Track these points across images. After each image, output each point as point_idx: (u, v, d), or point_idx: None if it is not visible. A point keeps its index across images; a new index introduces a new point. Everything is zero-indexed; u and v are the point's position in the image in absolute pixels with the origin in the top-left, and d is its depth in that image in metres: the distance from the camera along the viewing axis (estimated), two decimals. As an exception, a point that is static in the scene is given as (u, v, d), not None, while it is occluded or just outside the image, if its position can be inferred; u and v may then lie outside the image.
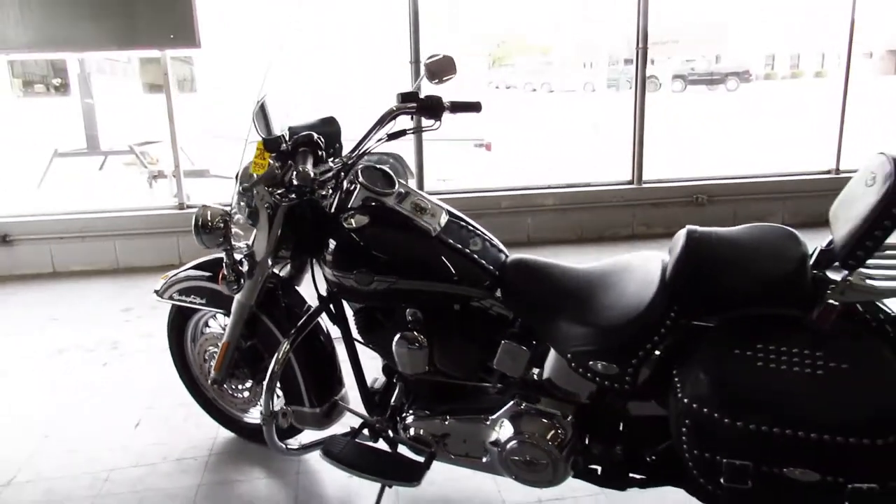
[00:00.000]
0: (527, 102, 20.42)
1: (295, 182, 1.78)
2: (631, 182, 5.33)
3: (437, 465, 2.07)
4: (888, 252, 1.76)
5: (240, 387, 2.42)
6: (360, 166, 2.02)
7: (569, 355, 1.82)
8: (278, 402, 2.31)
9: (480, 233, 2.06)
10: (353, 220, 1.93)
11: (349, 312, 2.15)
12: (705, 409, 1.60)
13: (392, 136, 2.16)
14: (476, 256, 1.95)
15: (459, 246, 1.95)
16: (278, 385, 2.29)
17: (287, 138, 1.90)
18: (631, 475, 1.95)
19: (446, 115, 2.19)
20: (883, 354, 1.57)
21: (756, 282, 1.68)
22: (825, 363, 1.56)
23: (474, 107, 2.21)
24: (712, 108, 18.30)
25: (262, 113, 1.92)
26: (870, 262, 1.71)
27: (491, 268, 1.95)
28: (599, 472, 1.98)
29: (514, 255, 2.05)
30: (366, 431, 2.19)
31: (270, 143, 1.84)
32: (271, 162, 1.89)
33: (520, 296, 1.94)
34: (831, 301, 1.60)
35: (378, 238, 1.92)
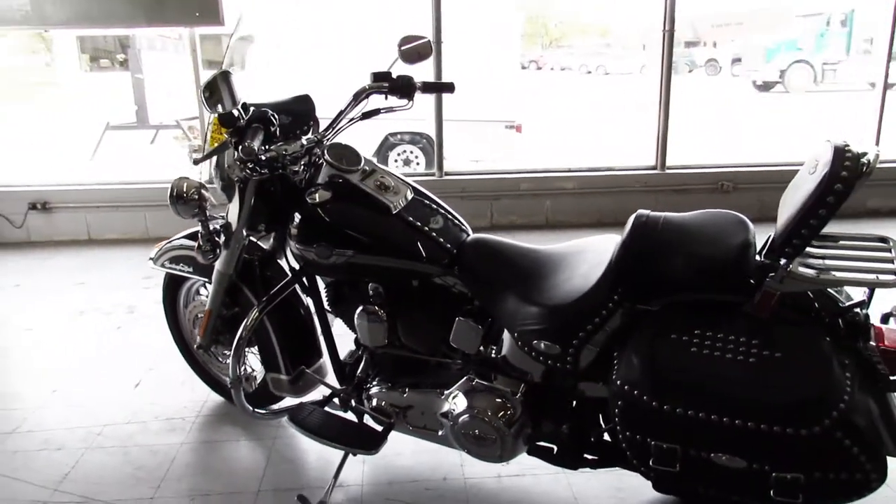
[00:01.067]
0: (579, 84, 20.15)
1: (240, 156, 1.86)
2: (654, 167, 5.25)
3: (405, 439, 2.14)
4: (842, 242, 1.75)
5: (225, 353, 2.53)
6: (327, 143, 2.08)
7: (515, 334, 1.86)
8: (260, 369, 2.42)
9: (444, 212, 2.10)
10: (316, 196, 1.99)
11: (322, 285, 2.23)
12: (636, 392, 1.62)
13: (366, 116, 2.21)
14: (434, 234, 2.00)
15: (419, 224, 2.00)
16: (257, 352, 2.42)
17: (244, 114, 1.97)
18: (585, 456, 1.99)
19: (417, 96, 2.24)
20: (819, 346, 1.56)
21: (695, 267, 1.68)
22: (759, 351, 1.56)
23: (447, 87, 2.25)
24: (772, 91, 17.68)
25: (227, 87, 1.97)
26: (819, 251, 1.71)
27: (449, 246, 1.99)
28: (554, 451, 2.02)
29: (477, 234, 2.09)
30: (338, 401, 2.28)
31: (225, 118, 1.92)
32: (227, 136, 1.97)
33: (475, 274, 1.98)
34: (769, 289, 1.60)
35: (338, 213, 1.99)
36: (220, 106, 1.95)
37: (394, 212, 1.99)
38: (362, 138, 6.71)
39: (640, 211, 1.82)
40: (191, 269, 2.45)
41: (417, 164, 6.99)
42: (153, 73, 9.45)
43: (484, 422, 1.93)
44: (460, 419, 1.97)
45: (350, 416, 2.24)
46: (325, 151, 2.03)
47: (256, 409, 2.23)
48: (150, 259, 2.55)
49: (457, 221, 2.10)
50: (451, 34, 4.91)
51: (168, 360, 2.95)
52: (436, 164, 5.18)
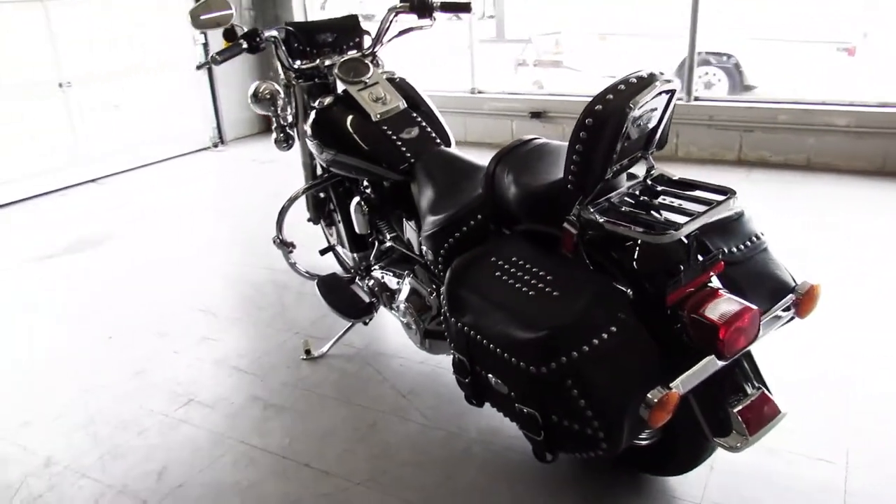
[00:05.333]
0: None
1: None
2: (975, 107, 4.07)
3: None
4: (696, 193, 1.55)
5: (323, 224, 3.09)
6: (342, 59, 2.42)
7: (419, 238, 2.06)
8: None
9: (424, 126, 2.28)
10: (325, 101, 2.38)
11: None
12: (444, 303, 1.74)
13: (400, 33, 2.49)
14: (400, 143, 2.23)
15: (390, 132, 2.24)
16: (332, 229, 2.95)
17: (244, 30, 2.39)
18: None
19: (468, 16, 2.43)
20: (597, 291, 1.48)
21: (519, 196, 1.68)
22: (543, 286, 1.55)
23: (464, 7, 2.37)
24: None
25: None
26: (658, 199, 1.56)
27: (409, 155, 2.21)
28: None
29: (442, 148, 2.24)
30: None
31: (227, 33, 2.39)
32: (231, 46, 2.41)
33: (417, 182, 2.17)
34: (566, 227, 1.55)
35: (331, 117, 2.35)
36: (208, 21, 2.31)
37: (374, 119, 2.27)
38: (666, 57, 6.51)
39: (526, 136, 1.81)
40: None
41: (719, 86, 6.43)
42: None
43: (409, 312, 2.19)
44: (400, 306, 2.24)
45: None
46: (337, 65, 2.38)
47: (297, 265, 2.77)
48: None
49: (433, 135, 2.28)
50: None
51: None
52: (685, 89, 4.84)
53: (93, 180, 5.08)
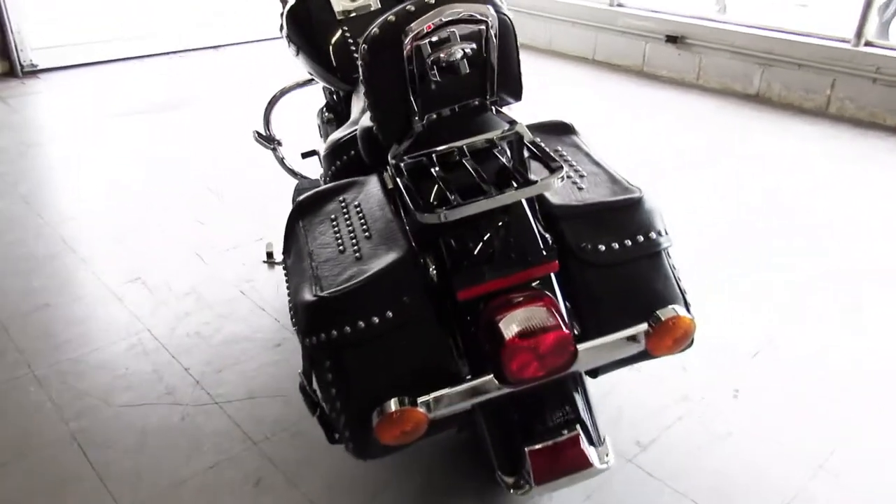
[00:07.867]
0: None
1: None
2: None
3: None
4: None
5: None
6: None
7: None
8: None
9: None
10: (302, -8, 2.14)
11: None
12: None
13: None
14: (353, 50, 1.96)
15: (349, 35, 1.98)
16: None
17: None
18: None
19: None
20: (388, 265, 1.20)
21: (361, 132, 1.40)
22: (356, 243, 1.32)
23: None
24: None
25: None
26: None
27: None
28: None
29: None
30: None
31: None
32: None
33: (356, 94, 1.91)
34: (384, 176, 1.27)
35: (301, 10, 2.10)
36: None
37: (337, 19, 2.01)
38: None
39: None
40: None
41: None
42: None
43: None
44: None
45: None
46: None
47: (285, 161, 2.63)
48: None
49: None
50: None
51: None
52: (855, 31, 3.91)
53: (213, 47, 5.24)
